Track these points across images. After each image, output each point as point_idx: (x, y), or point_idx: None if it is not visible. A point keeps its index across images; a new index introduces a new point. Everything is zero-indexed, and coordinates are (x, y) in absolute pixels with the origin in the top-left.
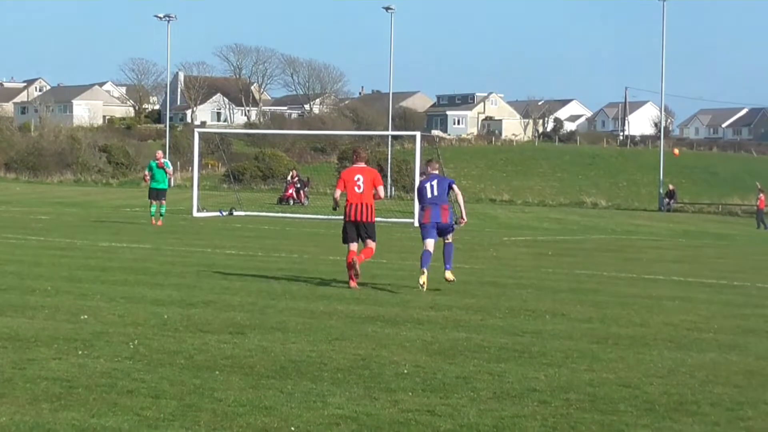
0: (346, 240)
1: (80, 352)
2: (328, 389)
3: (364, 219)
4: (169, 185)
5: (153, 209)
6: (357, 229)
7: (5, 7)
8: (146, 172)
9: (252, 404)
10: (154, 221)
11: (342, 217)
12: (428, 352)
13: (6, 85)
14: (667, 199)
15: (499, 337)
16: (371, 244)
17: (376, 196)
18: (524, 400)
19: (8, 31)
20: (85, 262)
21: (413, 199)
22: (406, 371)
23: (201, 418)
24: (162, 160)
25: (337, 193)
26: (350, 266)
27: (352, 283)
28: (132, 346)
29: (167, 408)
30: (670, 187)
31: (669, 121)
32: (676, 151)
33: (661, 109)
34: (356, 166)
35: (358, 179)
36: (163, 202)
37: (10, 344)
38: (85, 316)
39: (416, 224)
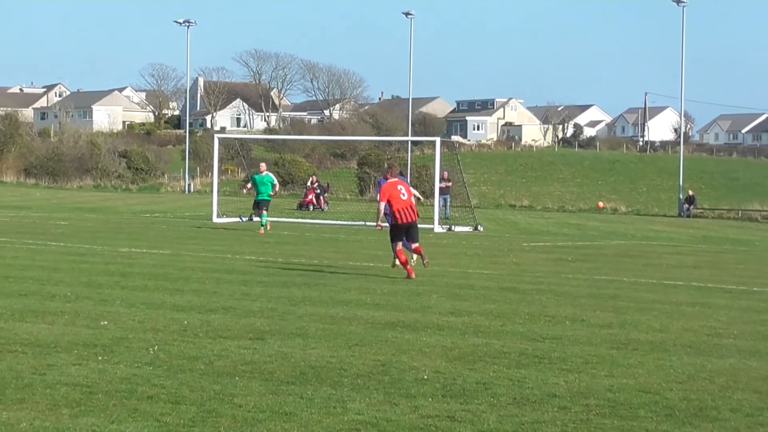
0: (395, 239)
1: (100, 358)
2: (348, 395)
3: (411, 220)
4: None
5: (264, 219)
6: (405, 231)
7: (25, 12)
8: (248, 185)
9: (272, 410)
10: (263, 230)
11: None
12: (448, 357)
13: (26, 90)
14: (686, 205)
15: (519, 342)
16: (415, 245)
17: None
18: (544, 406)
19: (28, 37)
20: (105, 268)
21: (433, 205)
22: (426, 377)
23: (221, 424)
24: (264, 174)
25: (382, 205)
26: (405, 263)
27: (411, 274)
28: (152, 352)
29: (187, 414)
30: (690, 192)
31: (689, 126)
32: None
33: (680, 114)
34: (395, 180)
35: (401, 189)
36: (265, 211)
37: (30, 350)
38: (105, 322)
39: (439, 229)
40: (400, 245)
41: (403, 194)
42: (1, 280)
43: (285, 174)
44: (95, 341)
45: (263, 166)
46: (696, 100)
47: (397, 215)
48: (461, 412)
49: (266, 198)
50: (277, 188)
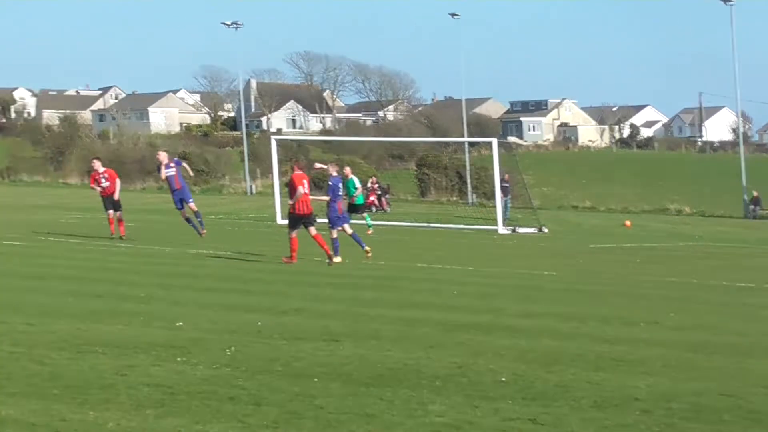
0: (292, 228)
1: (179, 359)
2: (428, 397)
3: (309, 212)
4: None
5: (367, 219)
6: (302, 221)
7: (78, 15)
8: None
9: (353, 412)
10: (370, 231)
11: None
12: (525, 360)
13: (82, 92)
14: (752, 206)
15: (595, 345)
16: (314, 231)
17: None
18: (626, 409)
19: (77, 39)
20: (176, 269)
21: (495, 206)
22: (504, 379)
23: (304, 425)
24: (349, 178)
25: (300, 190)
26: (295, 250)
27: (293, 260)
28: (229, 353)
29: (270, 415)
30: (755, 193)
31: (747, 126)
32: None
33: (737, 114)
34: (301, 173)
35: (305, 182)
36: (365, 212)
37: (110, 350)
38: (181, 323)
39: (504, 230)
40: (294, 233)
41: (305, 188)
42: (75, 281)
43: (344, 175)
44: (172, 342)
45: (348, 170)
46: (752, 100)
47: (297, 206)
48: (543, 415)
49: (359, 202)
50: (358, 191)
